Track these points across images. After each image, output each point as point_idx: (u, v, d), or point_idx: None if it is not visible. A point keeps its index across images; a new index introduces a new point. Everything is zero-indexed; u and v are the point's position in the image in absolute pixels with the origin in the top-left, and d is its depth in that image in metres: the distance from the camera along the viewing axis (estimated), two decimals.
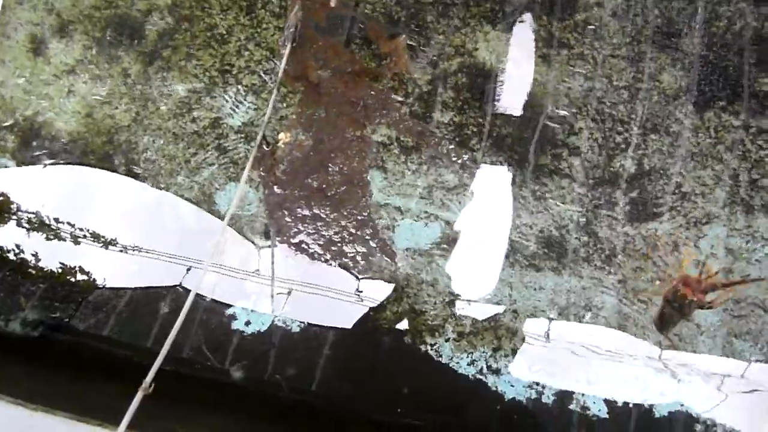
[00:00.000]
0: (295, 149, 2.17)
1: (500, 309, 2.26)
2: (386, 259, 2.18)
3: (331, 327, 2.26)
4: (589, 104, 2.34)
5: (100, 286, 2.20)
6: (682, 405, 2.20)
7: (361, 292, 2.32)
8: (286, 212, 2.18)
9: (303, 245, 2.13)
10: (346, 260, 2.19)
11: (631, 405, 2.22)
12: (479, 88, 2.38)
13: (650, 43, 2.32)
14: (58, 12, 2.40)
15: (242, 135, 2.30)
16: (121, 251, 2.16)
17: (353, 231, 2.11)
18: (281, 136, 2.16)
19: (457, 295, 2.31)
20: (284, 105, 2.20)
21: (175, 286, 2.20)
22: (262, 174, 2.15)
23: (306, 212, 2.20)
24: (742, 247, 2.24)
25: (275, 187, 2.17)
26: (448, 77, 2.36)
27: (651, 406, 2.22)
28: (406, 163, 2.35)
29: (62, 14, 2.39)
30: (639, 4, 2.34)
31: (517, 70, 2.40)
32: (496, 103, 2.33)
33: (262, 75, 2.30)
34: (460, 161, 2.35)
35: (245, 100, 2.30)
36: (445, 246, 2.31)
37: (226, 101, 2.31)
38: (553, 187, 2.32)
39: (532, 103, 2.38)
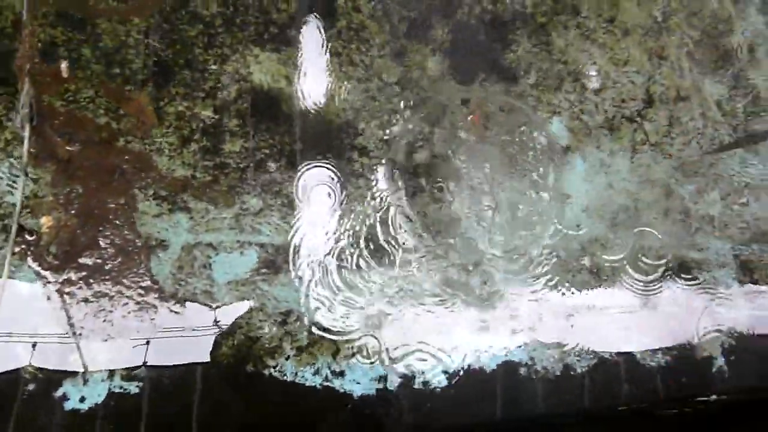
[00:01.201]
0: (61, 231, 3.09)
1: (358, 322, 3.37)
2: (174, 314, 3.19)
3: (174, 379, 3.23)
4: (368, 104, 3.55)
5: None
6: (506, 354, 3.52)
7: (219, 321, 3.32)
8: (66, 297, 3.09)
9: (91, 327, 3.07)
10: (140, 330, 3.16)
11: (465, 368, 3.48)
12: (262, 110, 3.47)
13: (409, 37, 3.58)
14: None
15: (27, 210, 3.18)
16: None
17: (139, 300, 3.09)
18: (44, 220, 3.04)
19: (289, 312, 3.40)
20: (38, 189, 3.09)
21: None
22: (31, 265, 3.03)
23: (87, 293, 3.13)
24: (526, 202, 3.60)
25: (49, 273, 3.07)
26: (229, 106, 3.42)
27: (481, 364, 3.51)
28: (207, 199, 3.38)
29: None
30: (393, 3, 3.58)
31: (305, 83, 3.53)
32: (289, 120, 3.43)
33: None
34: (260, 184, 3.43)
35: (22, 172, 3.17)
36: (264, 270, 3.39)
37: (1, 178, 3.16)
38: (353, 189, 3.50)
39: (319, 114, 3.53)
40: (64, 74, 3.08)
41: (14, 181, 3.06)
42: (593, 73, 3.57)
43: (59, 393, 3.02)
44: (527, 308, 3.42)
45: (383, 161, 3.35)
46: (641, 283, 3.50)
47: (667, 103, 3.59)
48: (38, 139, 3.03)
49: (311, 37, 3.42)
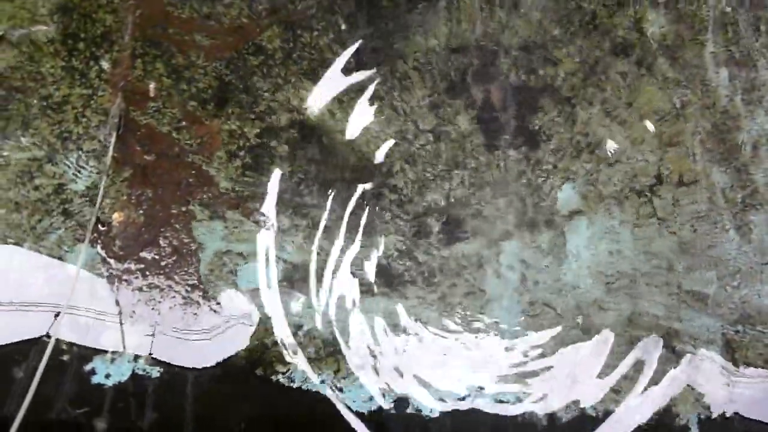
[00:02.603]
0: (129, 227, 3.83)
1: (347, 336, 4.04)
2: (213, 312, 3.89)
3: (190, 369, 3.91)
4: (402, 147, 4.27)
5: None
6: (496, 394, 4.16)
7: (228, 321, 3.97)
8: (124, 283, 3.82)
9: (141, 313, 3.79)
10: (180, 321, 3.86)
11: (457, 401, 4.13)
12: (305, 138, 4.20)
13: (446, 92, 4.32)
14: None
15: (87, 198, 3.89)
16: None
17: (186, 295, 3.82)
18: (115, 216, 3.78)
19: (301, 325, 4.08)
20: (115, 188, 3.83)
21: (41, 337, 3.71)
22: (99, 252, 3.77)
23: (143, 283, 3.86)
24: (532, 257, 4.28)
25: (113, 261, 3.81)
26: (277, 131, 4.15)
27: (472, 400, 4.15)
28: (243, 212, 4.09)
29: None
30: (437, 62, 4.33)
31: (347, 119, 4.26)
32: (327, 150, 4.14)
33: (102, 140, 3.92)
34: (291, 205, 4.14)
35: (87, 164, 3.90)
36: (285, 284, 4.08)
37: (68, 167, 3.89)
38: (378, 221, 4.20)
39: (356, 149, 4.25)
40: (152, 94, 3.84)
41: (79, 171, 3.77)
42: (611, 146, 4.27)
43: (89, 367, 3.69)
44: (519, 355, 4.06)
45: (410, 200, 4.04)
46: (629, 348, 4.14)
47: (675, 184, 4.27)
48: (122, 147, 3.78)
49: (358, 78, 4.16)
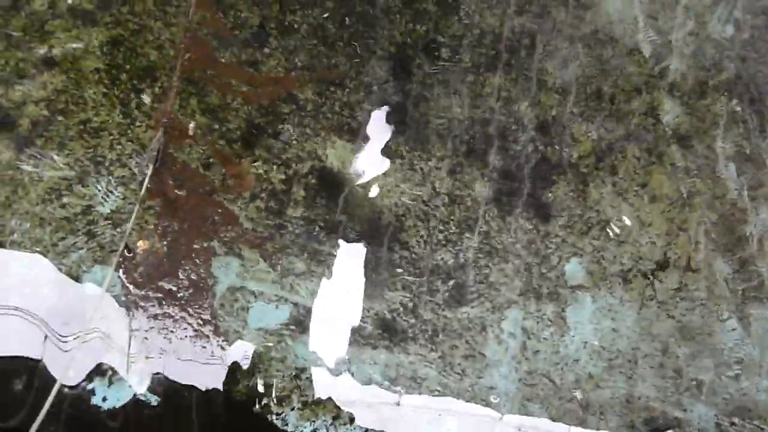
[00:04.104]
0: (152, 255, 4.00)
1: (345, 384, 4.13)
2: (221, 348, 4.00)
3: (190, 400, 3.99)
4: (417, 206, 4.46)
5: None
6: None
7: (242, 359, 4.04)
8: (140, 310, 3.96)
9: (153, 341, 3.90)
10: (191, 353, 3.96)
11: None
12: (327, 188, 4.40)
13: (465, 158, 4.54)
14: None
15: (111, 221, 4.06)
16: None
17: (197, 329, 3.95)
18: (140, 243, 3.96)
19: (303, 369, 4.18)
20: (144, 218, 4.01)
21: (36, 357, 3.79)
22: (122, 276, 3.93)
23: (158, 311, 4.00)
24: (533, 327, 4.41)
25: (132, 287, 3.96)
26: (301, 178, 4.36)
27: None
28: (260, 251, 4.25)
29: None
30: (459, 128, 4.57)
31: (368, 174, 4.47)
32: (347, 201, 4.34)
33: (133, 169, 4.12)
34: (308, 250, 4.30)
35: (116, 190, 4.09)
36: (293, 326, 4.20)
37: (98, 190, 4.07)
38: (387, 275, 4.35)
39: (374, 203, 4.43)
40: (191, 132, 4.08)
41: (108, 196, 3.96)
42: (620, 225, 4.46)
43: (90, 387, 3.77)
44: (517, 423, 4.13)
45: (420, 258, 4.21)
46: (623, 428, 4.20)
47: (679, 270, 4.44)
48: (155, 179, 3.99)
49: (382, 136, 4.39)
